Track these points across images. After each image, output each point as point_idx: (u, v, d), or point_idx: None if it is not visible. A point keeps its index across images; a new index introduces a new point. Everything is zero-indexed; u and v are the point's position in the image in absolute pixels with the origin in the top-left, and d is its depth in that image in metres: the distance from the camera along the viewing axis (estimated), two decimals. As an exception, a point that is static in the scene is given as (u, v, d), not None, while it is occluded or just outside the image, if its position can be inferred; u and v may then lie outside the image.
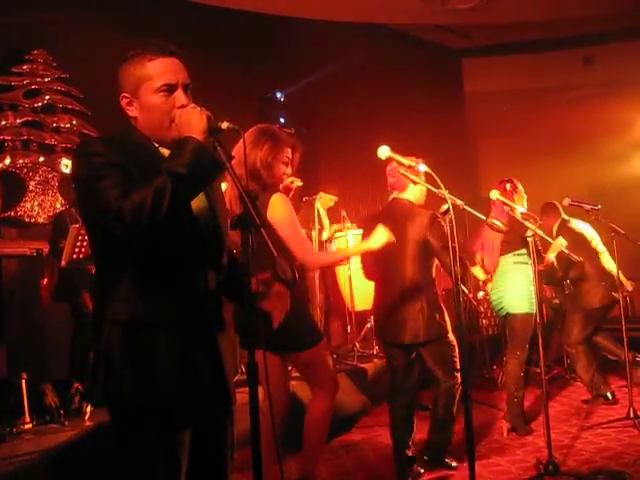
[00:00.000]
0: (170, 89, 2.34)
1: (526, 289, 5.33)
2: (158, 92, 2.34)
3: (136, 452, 2.28)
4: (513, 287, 5.43)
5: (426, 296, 4.50)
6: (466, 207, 3.52)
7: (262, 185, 3.70)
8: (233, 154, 2.25)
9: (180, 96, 2.35)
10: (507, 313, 5.47)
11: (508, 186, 5.47)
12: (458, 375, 4.51)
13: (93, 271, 2.96)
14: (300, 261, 3.58)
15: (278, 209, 3.63)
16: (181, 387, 2.28)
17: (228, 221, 2.48)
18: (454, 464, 4.68)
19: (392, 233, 3.93)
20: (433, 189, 3.41)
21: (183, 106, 2.34)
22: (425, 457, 4.73)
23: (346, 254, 4.39)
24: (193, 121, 2.25)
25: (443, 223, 3.37)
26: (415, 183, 3.54)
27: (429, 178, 3.45)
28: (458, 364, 4.50)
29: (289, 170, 3.89)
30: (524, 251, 5.31)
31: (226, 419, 2.47)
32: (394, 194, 4.68)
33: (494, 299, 5.56)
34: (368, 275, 4.85)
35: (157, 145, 2.39)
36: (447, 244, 3.41)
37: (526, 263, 5.27)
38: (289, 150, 3.86)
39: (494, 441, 5.34)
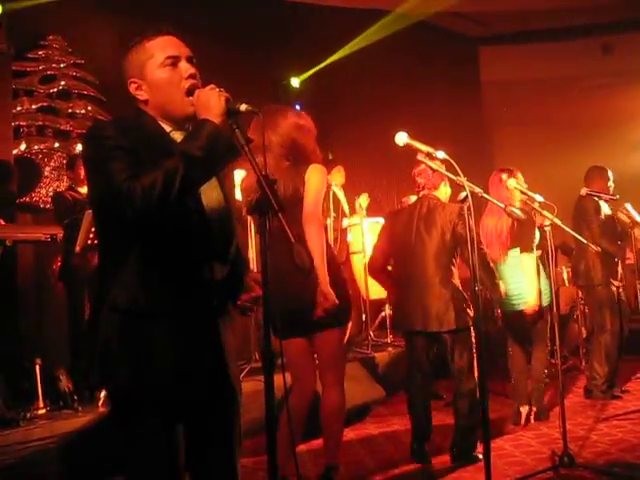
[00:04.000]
0: (174, 61, 2.33)
1: (545, 283, 5.37)
2: (163, 66, 2.32)
3: (133, 439, 2.26)
4: (535, 282, 5.35)
5: (452, 285, 4.59)
6: (485, 195, 3.47)
7: (295, 159, 3.72)
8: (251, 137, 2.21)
9: (185, 66, 2.34)
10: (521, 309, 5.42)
11: (504, 176, 5.43)
12: (476, 375, 4.53)
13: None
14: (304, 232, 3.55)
15: (314, 177, 3.67)
16: (179, 377, 2.25)
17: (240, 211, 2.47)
18: (480, 456, 4.61)
19: (420, 223, 4.19)
20: (452, 176, 3.36)
21: (191, 75, 2.32)
22: (454, 450, 4.72)
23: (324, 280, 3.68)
24: (211, 102, 2.21)
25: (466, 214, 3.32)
26: (433, 170, 3.49)
27: (448, 165, 3.39)
28: (475, 361, 4.53)
29: None
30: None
31: (230, 409, 2.43)
32: (424, 192, 4.81)
33: (514, 293, 5.46)
34: (375, 272, 4.99)
35: (169, 130, 2.36)
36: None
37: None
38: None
39: (509, 432, 5.30)
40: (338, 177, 7.94)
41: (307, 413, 3.97)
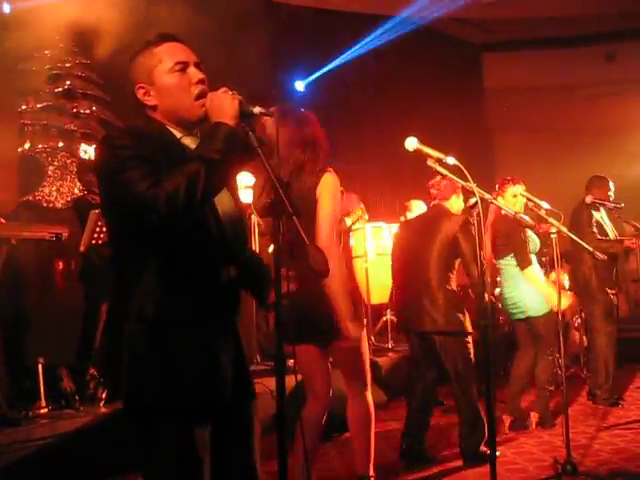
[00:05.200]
0: (183, 67, 2.32)
1: (540, 290, 5.40)
2: (172, 72, 2.32)
3: (157, 449, 2.23)
4: (528, 290, 5.43)
5: (446, 290, 4.75)
6: (494, 201, 3.48)
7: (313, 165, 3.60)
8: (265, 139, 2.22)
9: (194, 71, 2.33)
10: (528, 316, 5.44)
11: (497, 187, 5.48)
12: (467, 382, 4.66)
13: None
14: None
15: (326, 187, 3.49)
16: (204, 384, 2.24)
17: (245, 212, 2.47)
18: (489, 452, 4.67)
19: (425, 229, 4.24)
20: (461, 182, 3.36)
21: (200, 80, 2.32)
22: (464, 451, 4.80)
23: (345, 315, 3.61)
24: (225, 105, 2.22)
25: (473, 222, 3.32)
26: (444, 177, 3.49)
27: (457, 171, 3.40)
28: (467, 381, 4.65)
29: None
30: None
31: (249, 410, 2.44)
32: (434, 202, 4.99)
33: (508, 303, 5.55)
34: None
35: (179, 136, 2.35)
36: (476, 254, 3.40)
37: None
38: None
39: (511, 439, 5.29)
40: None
41: (322, 429, 3.81)
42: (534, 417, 5.55)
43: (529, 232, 5.46)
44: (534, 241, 5.47)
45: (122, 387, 2.27)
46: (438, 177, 4.48)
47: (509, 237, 5.41)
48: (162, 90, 2.33)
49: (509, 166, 10.48)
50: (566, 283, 7.67)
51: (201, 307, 2.26)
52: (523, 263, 5.38)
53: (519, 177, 5.62)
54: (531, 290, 5.40)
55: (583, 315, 7.32)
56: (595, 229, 6.21)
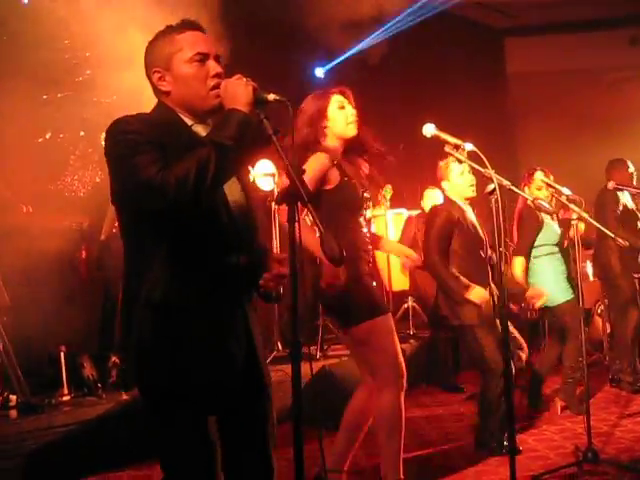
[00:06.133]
0: (202, 58, 2.33)
1: (556, 279, 5.45)
2: (191, 62, 2.32)
3: (170, 433, 2.26)
4: (546, 279, 5.46)
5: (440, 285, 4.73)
6: (512, 187, 3.45)
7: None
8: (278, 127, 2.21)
9: (213, 64, 2.34)
10: (546, 306, 5.44)
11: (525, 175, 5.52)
12: (491, 374, 4.53)
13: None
14: None
15: (307, 165, 3.44)
16: (214, 368, 2.25)
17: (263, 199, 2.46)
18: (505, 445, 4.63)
19: None
20: (480, 168, 3.34)
21: (217, 74, 2.32)
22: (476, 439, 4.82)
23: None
24: (239, 92, 2.22)
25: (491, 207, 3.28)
26: (461, 162, 3.47)
27: (476, 158, 3.37)
28: (489, 362, 4.50)
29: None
30: (540, 242, 5.48)
31: (262, 398, 2.44)
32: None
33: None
34: None
35: (190, 123, 2.35)
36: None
37: (548, 254, 5.49)
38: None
39: (531, 426, 5.27)
40: None
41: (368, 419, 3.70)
42: (558, 403, 5.57)
43: (548, 222, 5.44)
44: (551, 232, 5.47)
45: (130, 371, 2.29)
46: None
47: (520, 223, 5.45)
48: (178, 78, 2.34)
49: (532, 152, 10.42)
50: (589, 270, 7.63)
51: (209, 294, 2.26)
52: (517, 250, 5.46)
53: (541, 164, 5.59)
54: (550, 279, 5.43)
55: (606, 301, 7.26)
56: (615, 219, 6.16)
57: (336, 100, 3.69)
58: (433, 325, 6.99)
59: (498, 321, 4.38)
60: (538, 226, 5.44)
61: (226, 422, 2.39)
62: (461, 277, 4.50)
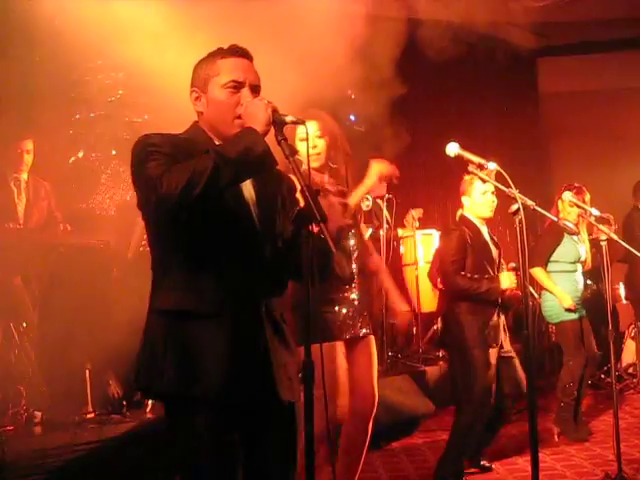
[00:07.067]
0: (237, 86, 2.36)
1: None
2: (225, 87, 2.36)
3: (186, 440, 2.29)
4: (548, 297, 5.54)
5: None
6: (537, 207, 3.39)
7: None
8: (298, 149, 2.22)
9: (246, 94, 2.36)
10: (550, 322, 5.62)
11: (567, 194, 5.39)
12: (470, 404, 4.50)
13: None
14: None
15: None
16: (226, 377, 2.24)
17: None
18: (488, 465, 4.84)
19: None
20: (503, 188, 3.30)
21: None
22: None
23: None
24: (258, 112, 2.24)
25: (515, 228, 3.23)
26: (484, 181, 3.44)
27: (499, 177, 3.34)
28: (474, 393, 4.47)
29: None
30: (556, 258, 5.49)
31: (285, 412, 2.40)
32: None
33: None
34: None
35: (218, 143, 2.38)
36: None
37: (562, 271, 5.48)
38: None
39: (560, 452, 5.17)
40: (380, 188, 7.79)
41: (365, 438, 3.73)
42: (555, 430, 5.51)
43: (568, 239, 5.40)
44: (569, 249, 5.43)
45: (140, 376, 2.31)
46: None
47: (541, 237, 5.46)
48: (211, 101, 2.40)
49: (566, 172, 10.28)
50: (622, 292, 7.51)
51: (223, 302, 2.27)
52: (531, 262, 5.39)
53: (575, 184, 5.54)
54: (550, 297, 5.47)
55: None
56: None
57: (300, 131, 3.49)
58: None
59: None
60: (557, 241, 5.40)
61: (247, 443, 2.35)
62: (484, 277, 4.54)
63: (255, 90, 2.38)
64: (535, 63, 11.15)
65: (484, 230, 4.68)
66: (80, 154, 6.93)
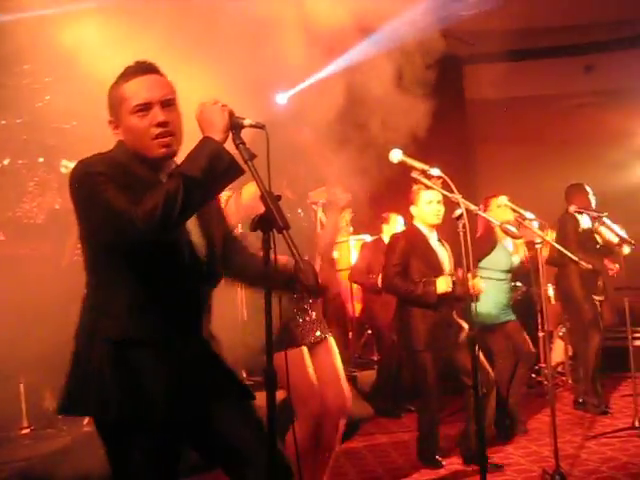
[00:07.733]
0: (145, 108, 2.29)
1: (495, 304, 5.54)
2: (134, 113, 2.30)
3: (124, 463, 2.27)
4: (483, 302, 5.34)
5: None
6: (480, 212, 3.48)
7: None
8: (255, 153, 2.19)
9: (156, 113, 2.29)
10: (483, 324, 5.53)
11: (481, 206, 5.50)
12: (427, 400, 4.78)
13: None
14: None
15: None
16: (170, 401, 2.24)
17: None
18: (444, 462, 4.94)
19: None
20: (447, 194, 3.37)
21: (160, 124, 2.28)
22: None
23: None
24: (215, 118, 2.19)
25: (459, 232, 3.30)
26: (428, 187, 3.50)
27: (443, 183, 3.41)
28: (429, 388, 4.71)
29: None
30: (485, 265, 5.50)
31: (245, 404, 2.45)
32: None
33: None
34: None
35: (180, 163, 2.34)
36: None
37: (490, 279, 5.41)
38: None
39: (498, 450, 5.27)
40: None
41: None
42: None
43: (500, 249, 5.48)
44: (500, 258, 5.54)
45: (87, 404, 2.26)
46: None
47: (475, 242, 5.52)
48: (126, 129, 2.34)
49: (492, 178, 10.52)
50: (551, 292, 7.71)
51: (166, 329, 2.29)
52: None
53: (501, 190, 5.65)
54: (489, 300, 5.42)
55: (568, 324, 7.33)
56: (575, 242, 6.23)
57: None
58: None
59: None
60: (490, 248, 5.48)
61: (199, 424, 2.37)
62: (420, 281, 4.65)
63: (167, 104, 2.31)
64: (461, 70, 11.37)
65: (432, 237, 4.83)
66: (6, 161, 6.73)
